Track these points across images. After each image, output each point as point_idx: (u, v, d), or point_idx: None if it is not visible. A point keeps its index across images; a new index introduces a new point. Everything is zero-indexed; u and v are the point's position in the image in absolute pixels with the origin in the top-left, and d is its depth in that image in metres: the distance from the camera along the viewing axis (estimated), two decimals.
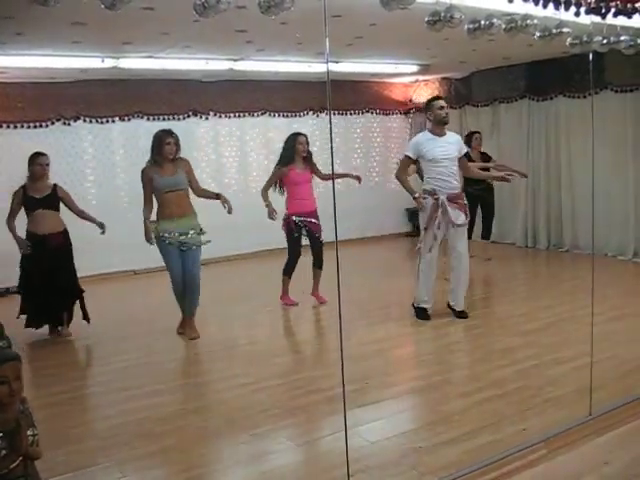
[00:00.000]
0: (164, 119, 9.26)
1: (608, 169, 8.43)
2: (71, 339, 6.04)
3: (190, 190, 5.81)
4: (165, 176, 5.66)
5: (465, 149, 6.34)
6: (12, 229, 5.93)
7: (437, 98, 6.16)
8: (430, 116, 5.99)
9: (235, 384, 4.80)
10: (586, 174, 8.30)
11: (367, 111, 11.11)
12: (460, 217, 5.95)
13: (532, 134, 9.62)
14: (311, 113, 10.38)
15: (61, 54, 6.78)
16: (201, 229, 5.79)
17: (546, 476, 3.28)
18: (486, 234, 8.81)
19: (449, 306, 6.17)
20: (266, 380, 4.76)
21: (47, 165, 6.02)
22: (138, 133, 8.99)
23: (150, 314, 6.83)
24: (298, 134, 6.83)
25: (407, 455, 3.51)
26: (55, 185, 6.08)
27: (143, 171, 5.72)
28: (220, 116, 9.63)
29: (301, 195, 6.71)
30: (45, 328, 6.11)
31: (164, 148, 5.65)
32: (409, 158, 6.03)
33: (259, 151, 10.07)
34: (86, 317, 6.15)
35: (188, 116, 9.40)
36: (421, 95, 11.35)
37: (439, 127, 5.95)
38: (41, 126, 8.48)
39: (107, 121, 8.91)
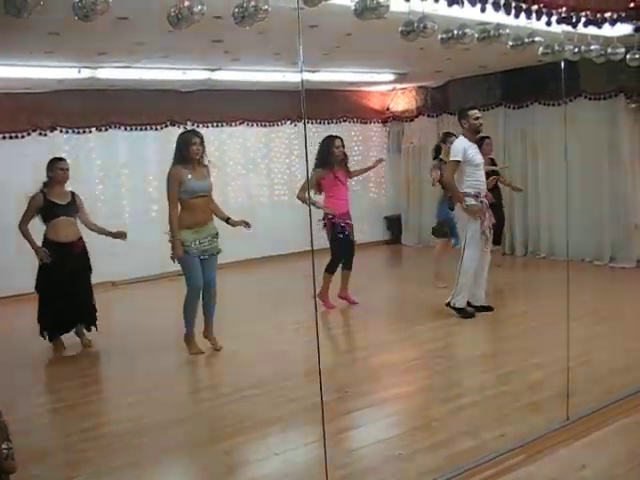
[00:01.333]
0: (142, 129, 9.24)
1: (583, 176, 8.54)
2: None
3: None
4: (197, 179, 5.42)
5: None
6: (27, 235, 5.77)
7: (472, 108, 6.43)
8: (465, 124, 6.25)
9: (215, 394, 4.78)
10: (561, 180, 8.40)
11: (345, 120, 11.14)
12: (491, 218, 6.35)
13: (508, 141, 9.72)
14: (289, 122, 10.40)
15: (37, 64, 6.74)
16: (217, 234, 5.60)
17: None
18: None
19: (451, 305, 6.35)
20: (246, 390, 4.75)
21: (67, 170, 5.92)
22: (115, 143, 8.96)
23: (135, 325, 6.78)
24: (335, 137, 6.90)
25: (387, 462, 3.52)
26: (73, 193, 5.98)
27: (171, 172, 5.43)
28: (198, 126, 9.58)
29: (340, 196, 6.85)
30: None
31: (191, 148, 5.37)
32: (458, 162, 6.14)
33: (237, 160, 10.07)
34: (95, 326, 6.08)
35: (166, 126, 9.36)
36: (398, 104, 11.43)
37: (474, 135, 6.28)
38: (17, 137, 8.41)
39: (84, 131, 8.85)
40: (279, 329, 6.48)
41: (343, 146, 6.84)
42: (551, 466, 3.42)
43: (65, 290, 5.76)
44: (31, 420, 4.34)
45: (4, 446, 2.33)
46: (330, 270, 6.93)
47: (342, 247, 6.87)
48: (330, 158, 6.71)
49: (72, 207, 5.90)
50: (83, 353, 5.95)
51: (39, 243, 5.82)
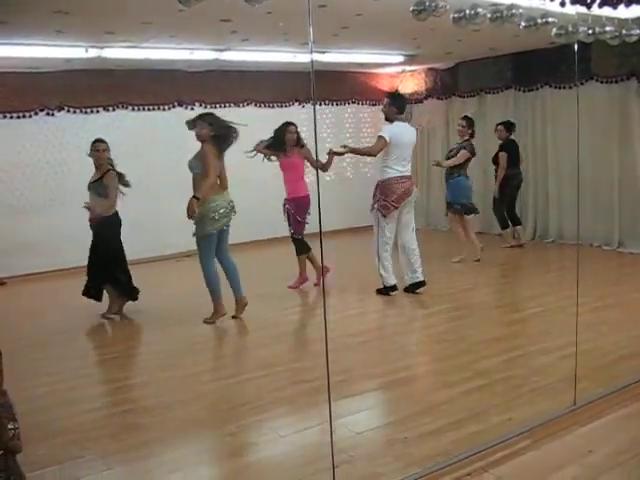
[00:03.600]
0: (149, 109, 9.21)
1: (593, 160, 8.47)
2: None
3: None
4: (193, 158, 5.81)
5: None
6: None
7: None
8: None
9: (220, 376, 4.79)
10: (572, 165, 8.34)
11: (354, 101, 11.09)
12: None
13: (518, 125, 9.61)
14: (297, 104, 10.33)
15: (44, 43, 6.71)
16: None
17: (531, 465, 3.29)
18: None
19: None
20: (251, 372, 4.75)
21: (104, 151, 6.21)
22: (123, 124, 8.92)
23: (144, 304, 6.79)
24: (289, 123, 7.07)
25: (393, 445, 3.52)
26: (107, 172, 6.16)
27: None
28: (206, 107, 9.55)
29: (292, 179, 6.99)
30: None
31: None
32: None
33: (245, 141, 9.98)
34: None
35: (173, 106, 9.33)
36: (407, 85, 11.33)
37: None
38: (24, 116, 8.40)
39: (91, 111, 8.83)
40: (286, 311, 6.48)
41: (297, 131, 7.02)
42: (557, 451, 3.41)
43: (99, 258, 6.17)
44: (37, 400, 4.35)
45: (10, 426, 2.34)
46: (298, 252, 7.10)
47: (294, 231, 7.05)
48: (282, 142, 6.94)
49: (96, 185, 6.14)
50: (83, 333, 6.01)
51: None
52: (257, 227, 9.27)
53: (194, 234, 5.72)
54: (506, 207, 8.95)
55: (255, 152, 6.95)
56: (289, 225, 7.04)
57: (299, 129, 7.03)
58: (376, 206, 6.47)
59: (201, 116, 5.84)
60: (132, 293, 6.30)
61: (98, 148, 6.17)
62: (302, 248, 6.99)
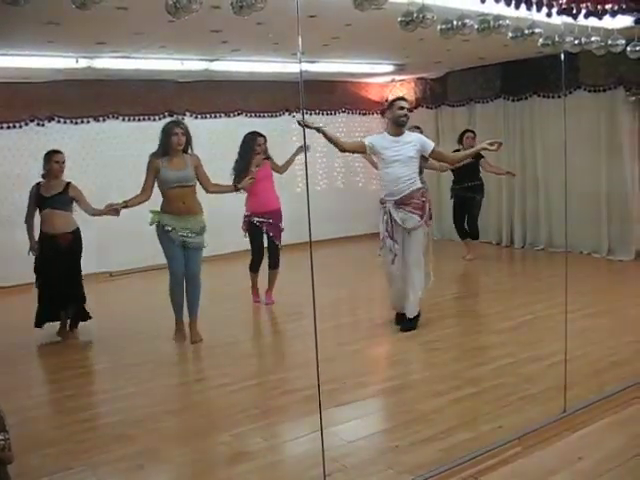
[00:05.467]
0: (139, 120, 9.21)
1: (582, 168, 8.53)
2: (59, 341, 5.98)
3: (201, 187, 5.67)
4: (173, 170, 5.45)
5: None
6: (28, 228, 5.96)
7: (400, 98, 5.88)
8: (389, 115, 5.74)
9: (212, 385, 4.78)
10: (560, 173, 8.38)
11: (344, 111, 11.13)
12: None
13: (507, 134, 9.69)
14: (287, 113, 10.36)
15: (35, 54, 6.71)
16: (202, 228, 5.59)
17: (521, 473, 3.31)
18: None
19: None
20: (243, 381, 4.75)
21: (63, 163, 5.92)
22: (113, 134, 8.92)
23: (131, 316, 6.78)
24: (256, 133, 6.78)
25: (384, 454, 3.52)
26: (68, 184, 5.92)
27: (150, 160, 5.50)
28: (196, 117, 9.58)
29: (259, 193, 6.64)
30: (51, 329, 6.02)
31: (171, 139, 5.44)
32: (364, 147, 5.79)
33: (234, 151, 10.00)
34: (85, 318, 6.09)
35: (164, 116, 9.31)
36: (396, 95, 11.38)
37: (398, 128, 5.67)
38: (14, 126, 8.39)
39: (81, 122, 8.83)
40: (277, 319, 6.49)
41: (265, 143, 6.74)
42: (548, 458, 3.43)
43: (52, 281, 5.83)
44: (27, 411, 4.33)
45: (0, 437, 2.34)
46: (251, 269, 6.89)
47: (256, 247, 6.80)
48: (248, 155, 6.63)
49: (61, 199, 5.84)
50: (80, 344, 5.97)
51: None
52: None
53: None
54: (466, 218, 8.95)
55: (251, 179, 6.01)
56: (264, 237, 6.76)
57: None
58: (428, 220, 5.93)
59: None
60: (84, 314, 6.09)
61: (58, 160, 5.88)
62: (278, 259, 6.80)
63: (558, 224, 9.05)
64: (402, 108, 5.63)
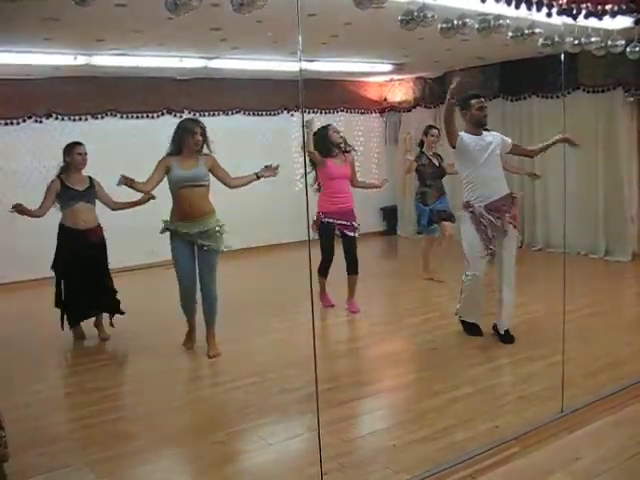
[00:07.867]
0: (138, 117, 9.20)
1: (579, 169, 8.54)
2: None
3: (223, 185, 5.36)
4: (184, 169, 5.07)
5: None
6: (32, 215, 5.57)
7: (475, 96, 5.47)
8: (466, 115, 5.36)
9: (210, 383, 4.78)
10: (558, 174, 8.38)
11: (342, 110, 11.11)
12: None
13: (505, 134, 9.63)
14: (286, 112, 10.35)
15: (33, 50, 6.69)
16: (216, 230, 5.17)
17: (518, 472, 3.31)
18: None
19: None
20: (241, 379, 4.75)
21: (86, 154, 5.73)
22: (111, 131, 8.91)
23: (135, 313, 6.75)
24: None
25: (381, 453, 3.52)
26: (91, 178, 5.80)
27: (163, 158, 5.14)
28: (195, 114, 9.56)
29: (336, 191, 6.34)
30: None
31: (189, 138, 5.07)
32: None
33: (233, 150, 10.00)
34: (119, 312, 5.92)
35: (162, 114, 9.32)
36: (395, 94, 11.40)
37: (476, 128, 5.36)
38: (12, 123, 8.37)
39: (79, 119, 8.81)
40: (277, 319, 6.47)
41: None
42: (545, 458, 3.43)
43: (84, 278, 5.64)
44: (27, 408, 4.33)
45: None
46: (320, 272, 6.44)
47: (326, 248, 6.37)
48: (329, 146, 6.35)
49: (91, 193, 5.73)
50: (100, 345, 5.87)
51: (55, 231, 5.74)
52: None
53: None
54: None
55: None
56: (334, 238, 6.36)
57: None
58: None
59: None
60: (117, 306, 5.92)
61: (81, 152, 5.71)
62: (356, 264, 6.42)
63: (555, 224, 9.06)
64: (482, 108, 5.30)
